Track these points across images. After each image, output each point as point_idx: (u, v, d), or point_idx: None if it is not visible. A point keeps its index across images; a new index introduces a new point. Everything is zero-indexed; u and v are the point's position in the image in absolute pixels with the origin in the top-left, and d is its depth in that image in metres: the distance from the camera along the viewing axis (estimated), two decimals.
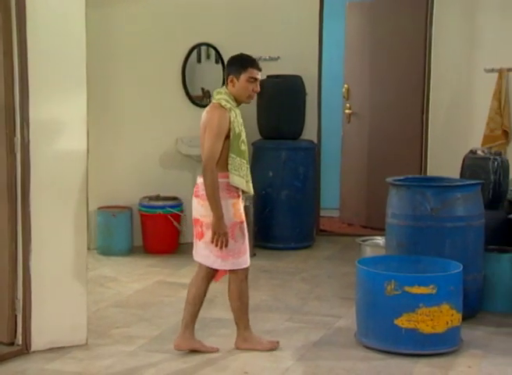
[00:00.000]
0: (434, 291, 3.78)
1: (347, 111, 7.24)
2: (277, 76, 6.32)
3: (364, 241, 5.37)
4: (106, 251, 6.00)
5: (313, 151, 6.47)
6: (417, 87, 6.68)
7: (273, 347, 3.91)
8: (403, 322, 3.78)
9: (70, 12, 3.83)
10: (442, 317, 3.79)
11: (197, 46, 6.44)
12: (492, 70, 6.15)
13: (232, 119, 3.70)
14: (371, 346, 3.90)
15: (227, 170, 3.70)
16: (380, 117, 7.02)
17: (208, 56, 6.55)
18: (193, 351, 3.86)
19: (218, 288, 5.11)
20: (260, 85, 6.24)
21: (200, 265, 3.88)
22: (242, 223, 3.81)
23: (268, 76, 6.32)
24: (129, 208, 6.13)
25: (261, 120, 6.38)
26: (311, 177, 6.36)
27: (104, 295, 4.89)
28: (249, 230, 6.00)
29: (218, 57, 6.49)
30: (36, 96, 3.75)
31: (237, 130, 3.72)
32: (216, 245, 3.71)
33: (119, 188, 6.24)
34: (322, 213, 7.06)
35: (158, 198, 6.16)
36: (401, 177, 4.67)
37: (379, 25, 6.96)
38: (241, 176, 3.74)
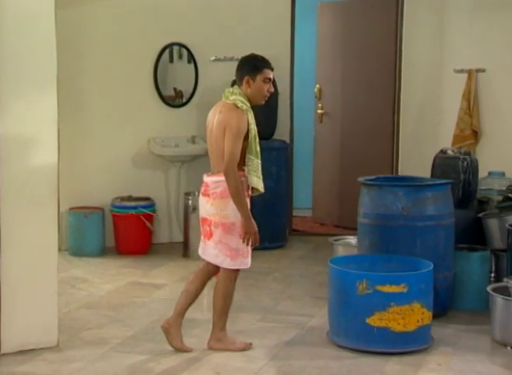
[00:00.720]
0: (405, 290, 3.81)
1: (319, 111, 7.27)
2: None
3: (336, 240, 5.40)
4: (77, 252, 5.96)
5: (285, 151, 6.48)
6: (388, 88, 6.73)
7: (246, 347, 3.91)
8: (374, 321, 3.81)
9: (39, 12, 3.79)
10: (413, 315, 3.83)
11: (169, 46, 6.42)
12: (462, 71, 6.21)
13: (249, 120, 3.72)
14: (343, 345, 3.92)
15: (242, 170, 3.73)
16: (352, 117, 7.07)
17: (181, 56, 6.53)
18: (167, 352, 3.85)
19: None
20: (232, 85, 6.33)
21: (209, 263, 3.89)
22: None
23: None
24: (101, 208, 6.09)
25: None
26: (283, 177, 6.37)
27: (75, 296, 4.85)
28: None
29: (191, 57, 6.48)
30: (5, 96, 3.71)
31: (254, 132, 3.75)
32: (247, 244, 3.74)
33: (91, 189, 6.20)
34: (295, 213, 7.08)
35: (130, 198, 6.13)
36: (373, 177, 4.70)
37: (351, 25, 7.00)
38: (258, 177, 3.78)
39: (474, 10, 6.22)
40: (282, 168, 6.35)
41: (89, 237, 5.96)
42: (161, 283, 5.21)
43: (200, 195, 3.85)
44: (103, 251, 6.03)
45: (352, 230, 5.30)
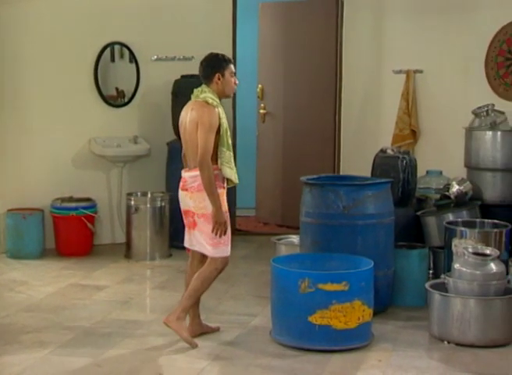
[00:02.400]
0: (346, 288, 3.86)
1: (262, 111, 7.30)
2: (191, 76, 6.28)
3: (279, 239, 5.43)
4: (16, 254, 5.84)
5: None
6: (329, 88, 6.81)
7: (191, 345, 3.93)
8: (316, 319, 3.84)
9: None
10: (354, 313, 3.88)
11: (110, 45, 6.34)
12: (400, 72, 6.32)
13: (220, 115, 3.94)
14: (286, 343, 3.95)
15: (216, 163, 3.94)
16: (294, 117, 7.12)
17: (122, 56, 6.46)
18: (109, 355, 3.81)
19: (134, 290, 5.08)
20: (174, 85, 6.31)
21: (193, 253, 4.10)
22: (227, 212, 4.01)
23: (183, 76, 6.30)
24: (41, 210, 5.99)
25: (176, 120, 6.23)
26: None
27: (14, 300, 4.76)
28: (165, 231, 6.07)
29: (132, 56, 6.42)
30: None
31: (225, 125, 3.98)
32: (216, 234, 3.92)
33: (30, 190, 6.08)
34: (238, 213, 7.07)
35: (71, 199, 6.05)
36: (314, 176, 4.74)
37: (292, 26, 7.06)
38: (231, 168, 4.00)
39: (411, 12, 6.33)
40: None
41: (28, 239, 5.85)
42: (102, 285, 5.15)
43: (180, 190, 4.07)
44: (43, 254, 5.92)
45: (295, 229, 5.34)
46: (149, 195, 6.08)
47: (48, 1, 6.09)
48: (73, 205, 5.97)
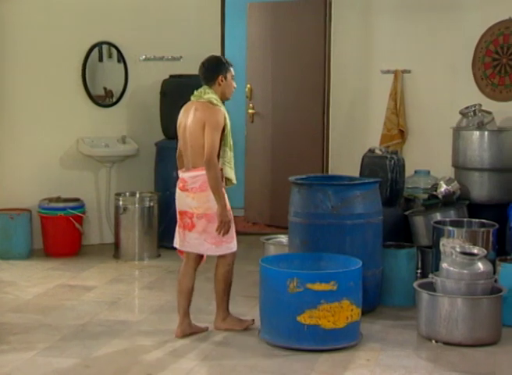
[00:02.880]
0: (335, 288, 3.87)
1: (250, 111, 7.30)
2: (180, 76, 6.30)
3: (267, 239, 5.43)
4: (4, 254, 5.81)
5: None
6: (318, 88, 6.82)
7: (249, 324, 4.18)
8: (305, 318, 3.85)
9: None
10: (342, 312, 3.89)
11: (98, 45, 6.32)
12: (388, 72, 6.34)
13: (225, 115, 4.02)
14: (274, 343, 3.95)
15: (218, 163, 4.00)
16: (283, 117, 7.13)
17: (110, 55, 6.45)
18: (97, 355, 3.79)
19: (122, 290, 5.07)
20: (162, 85, 6.29)
21: (189, 254, 4.11)
22: (229, 210, 4.05)
23: (171, 76, 6.30)
24: (29, 210, 5.96)
25: (165, 120, 6.33)
26: None
27: (1, 301, 4.73)
28: (153, 231, 6.05)
29: (120, 56, 6.40)
30: None
31: (229, 126, 4.04)
32: (220, 233, 3.97)
33: (18, 190, 6.06)
34: None
35: (58, 199, 6.03)
36: (303, 176, 4.75)
37: (281, 26, 7.06)
38: (231, 168, 4.09)
39: (399, 12, 6.35)
40: None
41: (16, 239, 5.82)
42: (91, 286, 5.13)
43: (178, 190, 4.10)
44: (31, 254, 5.90)
45: (284, 228, 5.34)
46: (137, 195, 6.07)
47: (33, 1, 6.06)
48: (61, 205, 5.95)
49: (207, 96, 4.03)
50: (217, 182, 3.92)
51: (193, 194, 4.00)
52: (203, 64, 4.13)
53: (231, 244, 4.09)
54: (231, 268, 4.15)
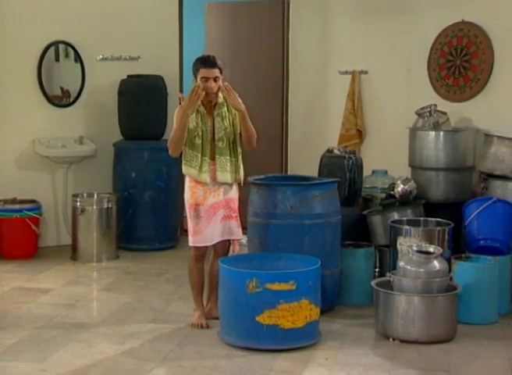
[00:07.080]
0: (294, 287, 3.88)
1: None
2: (138, 76, 6.26)
3: None
4: None
5: None
6: (276, 89, 6.84)
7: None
8: (264, 318, 3.86)
9: None
10: (301, 312, 3.91)
11: (54, 44, 6.24)
12: (346, 72, 6.40)
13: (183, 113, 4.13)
14: (233, 344, 3.96)
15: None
16: None
17: (67, 55, 6.37)
18: (54, 359, 3.75)
19: (80, 292, 5.01)
20: (120, 85, 6.22)
21: (217, 248, 4.44)
22: (197, 205, 4.24)
23: (129, 76, 6.25)
24: None
25: (123, 121, 6.29)
26: (174, 177, 6.34)
27: None
28: (112, 232, 6.00)
29: (77, 56, 6.33)
30: None
31: (191, 126, 4.18)
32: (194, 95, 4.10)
33: None
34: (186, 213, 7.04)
35: (14, 201, 5.94)
36: (262, 176, 4.76)
37: (239, 26, 7.06)
38: (193, 167, 4.22)
39: (356, 14, 6.41)
40: (172, 168, 6.30)
41: None
42: (47, 288, 5.06)
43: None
44: None
45: (243, 229, 5.33)
46: (95, 196, 6.01)
47: None
48: (17, 206, 5.87)
49: None
50: (172, 138, 4.18)
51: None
52: None
53: (192, 238, 4.30)
54: (192, 262, 4.40)
